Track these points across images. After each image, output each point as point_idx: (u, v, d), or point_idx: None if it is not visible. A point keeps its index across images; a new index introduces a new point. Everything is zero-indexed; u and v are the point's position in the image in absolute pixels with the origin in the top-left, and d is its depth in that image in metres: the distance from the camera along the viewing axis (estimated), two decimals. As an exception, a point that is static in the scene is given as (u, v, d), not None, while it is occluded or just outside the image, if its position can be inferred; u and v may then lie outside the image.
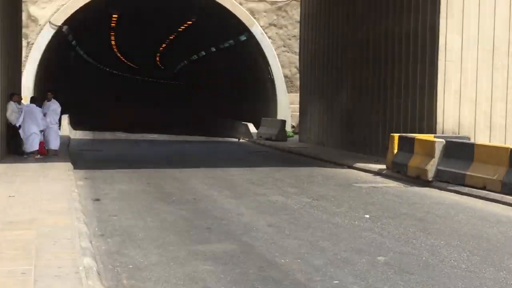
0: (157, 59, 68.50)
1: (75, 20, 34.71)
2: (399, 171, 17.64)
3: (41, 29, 33.60)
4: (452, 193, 14.91)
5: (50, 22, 33.40)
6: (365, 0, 23.56)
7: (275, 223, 11.11)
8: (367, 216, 11.92)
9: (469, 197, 14.38)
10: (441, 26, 19.16)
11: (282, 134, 31.02)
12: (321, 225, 10.96)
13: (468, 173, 14.99)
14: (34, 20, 33.89)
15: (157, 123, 45.61)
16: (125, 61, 69.60)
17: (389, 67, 21.78)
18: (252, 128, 34.28)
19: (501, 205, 13.39)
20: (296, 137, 32.46)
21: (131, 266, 8.05)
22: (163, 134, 36.61)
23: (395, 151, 18.31)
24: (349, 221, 11.36)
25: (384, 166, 18.91)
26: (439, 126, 19.35)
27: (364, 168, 19.67)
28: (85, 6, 33.92)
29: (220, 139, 35.11)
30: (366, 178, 18.09)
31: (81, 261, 7.35)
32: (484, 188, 14.40)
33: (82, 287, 6.34)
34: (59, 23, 33.60)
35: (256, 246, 9.31)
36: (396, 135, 18.60)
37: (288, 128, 33.33)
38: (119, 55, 64.66)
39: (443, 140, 16.45)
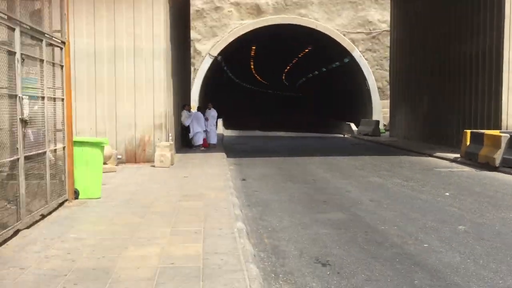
0: (283, 77, 68.73)
1: (226, 51, 35.49)
2: (471, 159, 16.48)
3: (203, 59, 34.65)
4: (516, 176, 13.73)
5: (209, 53, 34.36)
6: (441, 27, 22.23)
7: (375, 198, 10.69)
8: (448, 193, 11.18)
9: (531, 180, 13.17)
10: (504, 45, 17.66)
11: (376, 131, 30.06)
12: (411, 201, 10.41)
13: (529, 160, 13.72)
14: (199, 53, 35.02)
15: (283, 124, 45.67)
16: (260, 79, 70.40)
17: (463, 78, 20.43)
18: (353, 126, 33.44)
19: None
20: (387, 133, 31.33)
21: (270, 229, 8.01)
22: (288, 132, 36.60)
23: (468, 143, 17.14)
24: (433, 198, 10.71)
25: (458, 155, 17.74)
26: (503, 124, 17.88)
27: (442, 156, 18.55)
28: (233, 41, 34.60)
29: (329, 135, 34.56)
30: (444, 164, 17.04)
31: (235, 225, 7.40)
32: (543, 173, 13.13)
33: (236, 244, 6.36)
34: (215, 54, 34.48)
35: (361, 216, 8.99)
36: (468, 131, 17.40)
37: (381, 126, 32.22)
38: (256, 75, 65.51)
39: (507, 134, 15.15)
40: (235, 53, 40.41)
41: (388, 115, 34.10)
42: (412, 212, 9.24)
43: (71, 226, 7.15)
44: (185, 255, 5.84)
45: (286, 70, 59.67)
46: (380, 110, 34.78)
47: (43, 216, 7.48)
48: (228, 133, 34.95)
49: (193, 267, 5.40)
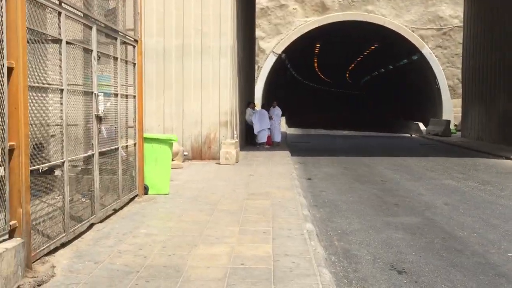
0: (347, 75, 67.62)
1: (290, 49, 35.28)
2: (553, 163, 15.41)
3: (267, 56, 34.63)
4: None
5: (273, 51, 34.30)
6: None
7: (450, 202, 10.16)
8: (530, 199, 10.47)
9: None
10: None
11: (447, 131, 28.89)
12: (490, 206, 9.81)
13: None
14: (262, 51, 35.03)
15: (347, 122, 44.92)
16: (323, 77, 69.64)
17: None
18: (421, 126, 32.30)
19: None
20: (458, 133, 30.03)
21: (339, 231, 7.77)
22: (352, 130, 35.92)
23: (550, 145, 16.03)
24: (514, 203, 10.05)
25: (539, 158, 16.66)
26: None
27: (520, 159, 17.50)
28: (297, 39, 34.33)
29: (395, 134, 33.58)
30: (523, 167, 16.05)
31: (304, 226, 7.22)
32: None
33: (307, 246, 6.18)
34: (279, 52, 34.36)
35: (436, 221, 8.55)
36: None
37: (451, 126, 30.92)
38: (319, 73, 64.85)
39: None
40: (299, 51, 40.12)
41: (459, 114, 32.67)
42: (492, 218, 8.69)
43: (141, 222, 7.23)
44: (254, 255, 5.73)
45: (350, 68, 58.62)
46: (451, 109, 33.37)
47: (115, 211, 7.63)
48: (291, 131, 34.75)
49: (264, 269, 5.27)
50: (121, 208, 7.90)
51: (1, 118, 4.51)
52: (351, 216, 8.77)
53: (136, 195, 8.75)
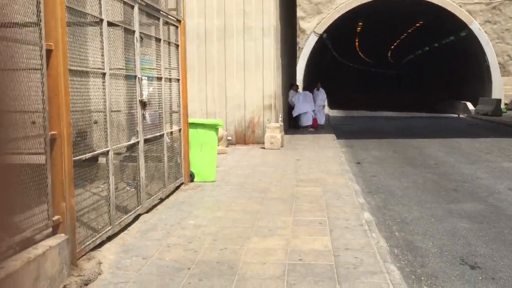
0: (389, 54, 65.65)
1: (331, 29, 34.24)
2: None
3: (308, 37, 33.73)
4: None
5: (314, 31, 33.36)
6: None
7: (514, 187, 9.40)
8: None
9: None
10: None
11: (497, 110, 27.43)
12: (560, 191, 8.99)
13: None
14: (303, 31, 34.14)
15: (390, 103, 43.54)
16: (365, 57, 67.91)
17: None
18: (470, 105, 30.83)
19: None
20: (509, 112, 28.54)
21: (398, 220, 7.20)
22: (395, 111, 34.73)
23: None
24: None
25: None
26: None
27: None
28: (338, 18, 33.24)
29: (442, 115, 32.23)
30: None
31: (362, 215, 6.69)
32: None
33: (368, 239, 5.66)
34: (320, 32, 33.41)
35: (503, 208, 7.84)
36: None
37: (502, 106, 29.39)
38: (360, 53, 63.22)
39: None
40: (340, 30, 38.96)
41: (510, 93, 31.11)
42: None
43: (189, 212, 6.86)
44: (312, 250, 5.25)
45: (393, 46, 56.80)
46: (501, 87, 31.75)
47: (161, 200, 7.29)
48: (333, 113, 33.88)
49: (325, 266, 4.79)
50: (167, 197, 7.56)
51: (42, 105, 4.15)
52: (409, 203, 8.16)
53: (182, 183, 8.40)
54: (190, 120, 8.85)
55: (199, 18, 14.42)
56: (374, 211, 7.56)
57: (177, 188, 8.16)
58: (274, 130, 13.86)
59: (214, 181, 8.95)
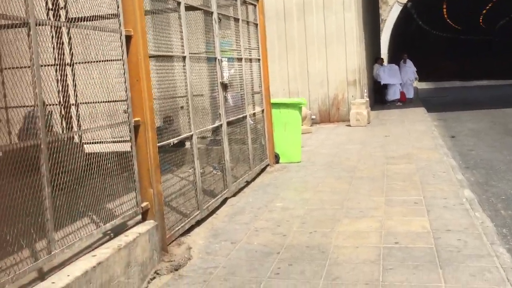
0: (480, 19, 61.31)
1: (416, -3, 32.46)
2: None
3: (391, 8, 32.21)
4: None
5: (397, 1, 31.79)
6: None
7: None
8: None
9: None
10: None
11: None
12: None
13: None
14: (385, 2, 32.63)
15: (482, 71, 40.75)
16: (453, 25, 63.97)
17: None
18: None
19: None
20: None
21: (503, 197, 6.60)
22: (490, 80, 32.42)
23: None
24: None
25: None
26: None
27: None
28: (423, -16, 31.41)
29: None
30: None
31: (462, 193, 6.18)
32: None
33: (471, 219, 5.20)
34: (404, 1, 31.76)
35: None
36: None
37: None
38: (448, 20, 59.58)
39: None
40: (426, -3, 36.82)
41: None
42: None
43: (276, 194, 6.72)
44: (409, 232, 4.91)
45: (485, 10, 52.90)
46: None
47: (247, 183, 7.22)
48: (422, 85, 32.28)
49: (424, 249, 4.45)
50: (253, 179, 7.47)
51: (124, 91, 4.15)
52: (514, 179, 7.48)
53: (267, 165, 8.29)
54: (273, 100, 8.69)
55: (277, -5, 14.14)
56: (474, 188, 7.00)
57: (263, 170, 8.05)
58: (359, 106, 13.36)
59: (300, 162, 8.75)
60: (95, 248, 3.64)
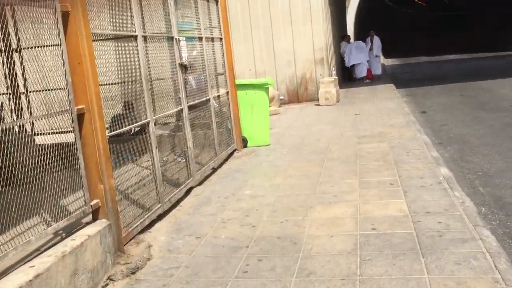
0: (444, -5, 61.72)
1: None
2: None
3: (356, -16, 31.89)
4: None
5: (362, -23, 31.46)
6: None
7: None
8: None
9: None
10: None
11: None
12: None
13: None
14: (350, -22, 32.28)
15: (450, 46, 41.00)
16: (418, 1, 64.23)
17: None
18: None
19: None
20: None
21: (480, 173, 6.34)
22: (457, 54, 32.62)
23: None
24: None
25: None
26: None
27: None
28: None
29: (509, 53, 29.93)
30: None
31: (439, 171, 5.90)
32: None
33: (450, 198, 4.90)
34: (369, -23, 31.48)
35: None
36: None
37: None
38: (412, -4, 59.74)
39: None
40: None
41: None
42: None
43: (244, 181, 6.32)
44: (386, 216, 4.58)
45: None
46: None
47: (214, 170, 6.79)
48: (389, 62, 32.31)
49: (403, 235, 4.12)
50: (220, 166, 7.05)
51: (64, 76, 3.64)
52: (489, 153, 7.25)
53: (235, 150, 7.87)
54: (238, 81, 8.23)
55: (239, -28, 13.58)
56: (450, 165, 6.73)
57: (230, 155, 7.63)
58: (328, 85, 13.02)
59: (269, 145, 8.36)
60: (35, 257, 3.17)
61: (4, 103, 4.69)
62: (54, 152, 3.48)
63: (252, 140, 8.32)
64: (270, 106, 11.54)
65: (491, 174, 6.25)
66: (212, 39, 7.34)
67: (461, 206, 4.66)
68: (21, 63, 4.59)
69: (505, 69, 19.85)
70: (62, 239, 3.46)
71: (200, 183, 6.19)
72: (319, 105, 13.13)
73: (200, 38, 6.82)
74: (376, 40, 18.85)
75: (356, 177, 5.95)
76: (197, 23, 6.82)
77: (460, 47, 37.29)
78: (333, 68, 14.56)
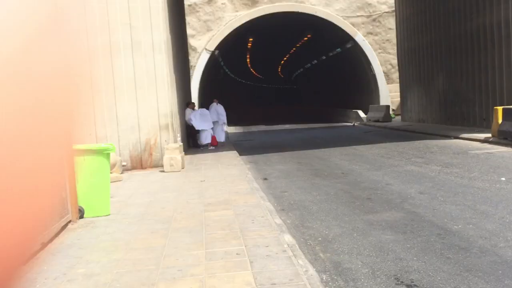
0: (279, 69, 67.17)
1: (222, 46, 33.96)
2: (506, 138, 15.08)
3: (199, 55, 33.11)
4: None
5: (205, 48, 32.82)
6: (456, 1, 20.77)
7: (424, 190, 9.25)
8: (503, 178, 9.77)
9: None
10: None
11: (387, 116, 28.72)
12: (467, 190, 8.97)
13: None
14: (194, 49, 33.45)
15: (286, 116, 44.27)
16: (256, 73, 68.86)
17: (483, 53, 18.96)
18: (361, 113, 32.03)
19: None
20: (398, 118, 29.97)
21: (320, 239, 6.56)
22: (293, 124, 35.17)
23: (500, 121, 15.72)
24: (490, 185, 9.28)
25: (489, 135, 16.35)
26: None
27: (470, 137, 17.16)
28: (229, 34, 33.10)
29: (337, 124, 33.15)
30: (476, 146, 15.64)
31: (283, 238, 5.94)
32: None
33: (295, 267, 4.90)
34: (212, 49, 32.95)
35: (421, 214, 7.54)
36: (499, 108, 15.97)
37: (390, 112, 30.85)
38: (252, 69, 63.93)
39: (548, 108, 13.74)
40: (232, 46, 38.88)
41: (395, 99, 32.78)
42: (478, 205, 7.81)
43: (78, 257, 5.66)
44: (234, 290, 4.38)
45: (283, 61, 58.09)
46: (388, 95, 33.38)
47: (43, 245, 5.99)
48: (231, 129, 33.46)
49: (252, 310, 3.93)
50: (51, 240, 6.27)
51: None
52: (326, 218, 7.60)
53: (69, 221, 7.13)
54: (75, 146, 7.60)
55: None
56: (293, 231, 6.87)
57: (64, 227, 6.88)
58: (173, 151, 12.84)
59: (109, 215, 7.76)
60: None
61: None
62: None
63: (90, 210, 7.65)
64: (111, 173, 10.92)
65: (329, 239, 6.49)
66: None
67: (305, 275, 4.66)
68: None
69: (334, 139, 21.78)
70: None
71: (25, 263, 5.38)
72: (164, 171, 12.82)
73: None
74: (220, 108, 19.42)
75: (203, 248, 5.71)
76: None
77: (295, 118, 40.39)
78: (178, 135, 14.49)
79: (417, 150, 15.59)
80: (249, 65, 59.55)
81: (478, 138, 16.65)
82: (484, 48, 19.04)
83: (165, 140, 13.64)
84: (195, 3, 34.89)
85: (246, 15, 33.61)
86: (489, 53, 18.72)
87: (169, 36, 14.87)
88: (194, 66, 33.21)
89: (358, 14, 35.58)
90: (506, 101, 17.62)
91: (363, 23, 35.87)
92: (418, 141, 18.09)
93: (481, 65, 19.36)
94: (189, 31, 33.04)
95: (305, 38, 39.96)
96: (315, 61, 46.80)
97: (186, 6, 32.25)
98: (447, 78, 22.31)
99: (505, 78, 17.92)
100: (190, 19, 34.22)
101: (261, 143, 22.33)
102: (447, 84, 22.41)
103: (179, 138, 14.23)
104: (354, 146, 17.89)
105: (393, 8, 29.29)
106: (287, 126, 34.02)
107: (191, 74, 31.79)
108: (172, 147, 12.94)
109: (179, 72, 17.66)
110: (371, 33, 36.00)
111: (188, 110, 18.51)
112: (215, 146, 18.54)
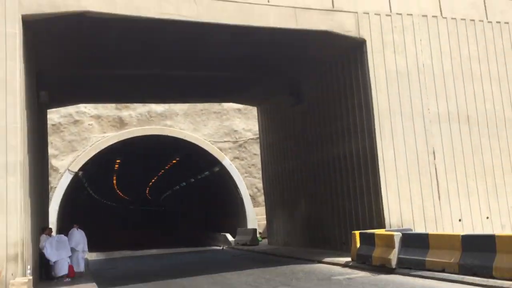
0: (148, 191, 66.08)
1: (88, 167, 32.82)
2: (364, 262, 15.88)
3: (61, 176, 31.46)
4: (417, 278, 13.21)
5: (68, 169, 31.34)
6: (314, 129, 22.75)
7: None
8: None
9: (432, 280, 12.72)
10: (378, 145, 18.26)
11: (254, 240, 29.07)
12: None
13: (427, 258, 13.38)
14: (56, 170, 31.78)
15: (154, 240, 42.75)
16: (123, 195, 66.89)
17: (342, 179, 20.55)
18: (229, 237, 32.06)
19: (462, 285, 11.73)
20: (265, 240, 30.42)
21: None
22: (160, 248, 33.87)
23: (358, 245, 16.62)
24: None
25: (348, 259, 17.13)
26: (386, 222, 17.89)
27: (332, 262, 17.79)
28: (95, 156, 32.23)
29: (206, 248, 32.62)
30: (338, 270, 16.20)
31: None
32: (443, 271, 12.78)
33: None
34: (75, 170, 31.60)
35: None
36: (357, 232, 16.98)
37: (257, 235, 31.34)
38: (118, 191, 62.07)
39: (399, 233, 14.90)
40: (98, 168, 37.74)
41: (262, 222, 33.55)
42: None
43: None
44: None
45: (151, 183, 57.44)
46: (254, 217, 34.14)
47: None
48: (93, 256, 31.16)
49: None
50: None
51: None
52: None
53: None
54: None
55: None
56: None
57: None
58: (20, 287, 11.37)
59: None
60: None
61: None
62: None
63: None
64: None
65: None
66: None
67: None
68: None
69: (203, 266, 21.21)
70: None
71: None
72: (7, 311, 11.19)
73: None
74: (79, 234, 18.07)
75: None
76: None
77: (161, 242, 39.14)
78: (29, 266, 13.00)
79: (283, 276, 15.69)
80: (115, 187, 57.87)
81: (339, 262, 17.31)
82: (340, 175, 20.66)
83: (12, 274, 12.12)
84: (59, 123, 33.87)
85: (114, 136, 33.29)
86: (344, 180, 20.30)
87: (27, 158, 13.95)
88: (55, 187, 31.32)
89: (225, 139, 37.16)
90: (362, 226, 18.85)
91: (230, 148, 37.38)
92: (285, 266, 18.30)
93: (338, 191, 20.83)
94: (51, 151, 31.60)
95: (174, 161, 40.35)
96: (184, 184, 47.01)
97: (49, 126, 31.13)
98: (309, 203, 23.52)
99: (359, 204, 19.36)
100: (53, 139, 32.92)
101: (125, 272, 20.92)
102: (309, 208, 23.57)
103: (29, 271, 12.75)
104: (222, 273, 17.51)
105: (258, 135, 31.07)
106: (154, 251, 32.63)
107: (50, 196, 29.81)
108: (19, 282, 11.49)
109: (36, 194, 16.39)
110: (237, 158, 37.49)
111: (43, 237, 16.91)
112: (72, 278, 16.87)
